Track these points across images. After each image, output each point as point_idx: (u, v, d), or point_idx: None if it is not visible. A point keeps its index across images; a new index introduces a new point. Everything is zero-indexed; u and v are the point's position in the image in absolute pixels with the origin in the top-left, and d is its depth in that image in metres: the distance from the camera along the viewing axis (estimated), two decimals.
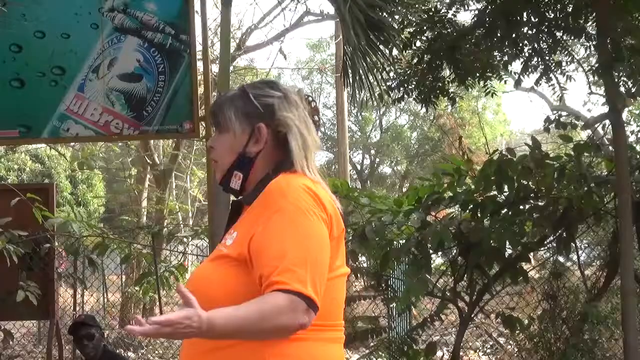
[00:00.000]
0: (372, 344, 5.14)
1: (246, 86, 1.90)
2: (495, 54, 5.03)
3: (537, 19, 4.70)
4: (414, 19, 5.11)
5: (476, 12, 5.02)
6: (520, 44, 4.86)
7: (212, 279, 1.73)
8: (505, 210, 4.51)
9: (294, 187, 1.73)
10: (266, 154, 1.84)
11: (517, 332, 4.88)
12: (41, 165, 18.19)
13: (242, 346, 1.66)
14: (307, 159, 1.83)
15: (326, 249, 1.71)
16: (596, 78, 5.05)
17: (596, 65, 4.66)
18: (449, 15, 5.08)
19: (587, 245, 5.77)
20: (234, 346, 1.66)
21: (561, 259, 5.15)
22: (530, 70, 5.03)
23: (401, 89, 5.28)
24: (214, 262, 1.76)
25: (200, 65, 5.23)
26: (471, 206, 4.51)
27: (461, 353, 5.39)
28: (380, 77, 4.69)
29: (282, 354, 1.67)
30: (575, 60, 5.47)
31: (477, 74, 5.11)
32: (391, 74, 5.19)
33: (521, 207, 4.56)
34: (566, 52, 5.20)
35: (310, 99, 1.93)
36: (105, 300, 10.69)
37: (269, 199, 1.73)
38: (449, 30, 5.03)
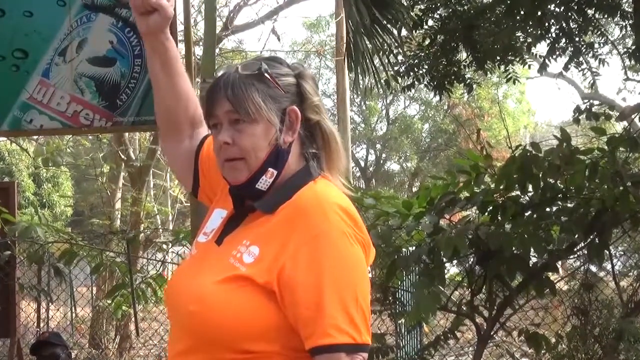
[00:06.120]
0: None
1: (260, 64, 1.78)
2: (518, 34, 5.04)
3: None
4: None
5: None
6: (547, 23, 4.88)
7: (232, 308, 1.65)
8: (530, 212, 4.51)
9: (333, 205, 1.68)
10: (295, 146, 1.78)
11: (542, 351, 4.88)
12: (0, 162, 18.19)
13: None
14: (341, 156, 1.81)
15: (367, 276, 1.69)
16: (633, 62, 5.05)
17: (633, 47, 4.67)
18: None
19: (622, 253, 5.78)
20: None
21: (593, 268, 5.15)
22: (557, 53, 5.04)
23: (411, 74, 5.29)
24: (230, 285, 1.66)
25: (182, 47, 5.22)
26: (490, 208, 4.51)
27: None
28: (387, 60, 4.70)
29: None
30: (609, 42, 5.48)
31: (498, 57, 5.12)
32: (399, 57, 5.21)
33: (547, 209, 4.56)
34: (599, 32, 5.22)
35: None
36: (74, 315, 10.70)
37: (306, 219, 1.67)
38: (465, 7, 5.04)
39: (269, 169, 1.75)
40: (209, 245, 1.83)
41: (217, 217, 1.89)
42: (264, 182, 1.75)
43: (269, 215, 1.73)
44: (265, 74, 1.76)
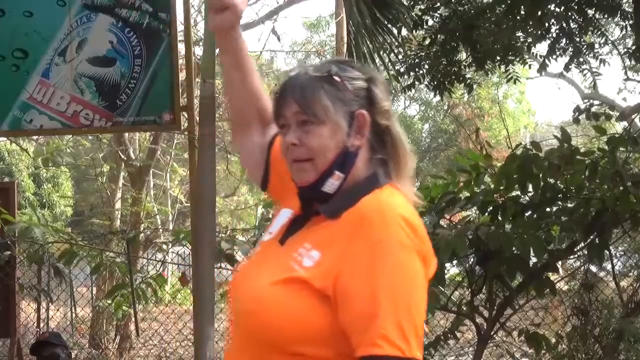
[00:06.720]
0: None
1: (330, 67, 1.80)
2: (519, 34, 5.03)
3: None
4: None
5: None
6: (547, 23, 4.88)
7: (286, 310, 1.66)
8: (530, 212, 4.51)
9: (395, 215, 1.67)
10: (363, 151, 1.78)
11: (543, 351, 4.88)
12: (0, 162, 18.19)
13: None
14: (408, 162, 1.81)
15: (424, 289, 1.67)
16: (633, 62, 5.05)
17: (633, 47, 4.67)
18: None
19: (623, 253, 5.78)
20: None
21: (593, 268, 5.15)
22: (558, 53, 5.04)
23: (411, 74, 5.29)
24: (286, 287, 1.67)
25: (182, 47, 5.22)
26: (491, 208, 4.51)
27: None
28: (387, 60, 4.70)
29: None
30: (609, 42, 5.48)
31: (498, 57, 5.12)
32: (400, 56, 5.20)
33: (548, 209, 4.56)
34: (599, 32, 5.22)
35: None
36: (73, 315, 10.70)
37: (366, 227, 1.66)
38: (466, 7, 5.04)
39: (336, 172, 1.75)
40: (272, 244, 1.84)
41: (283, 216, 1.91)
42: (331, 185, 1.76)
43: (332, 220, 1.73)
44: (335, 77, 1.77)
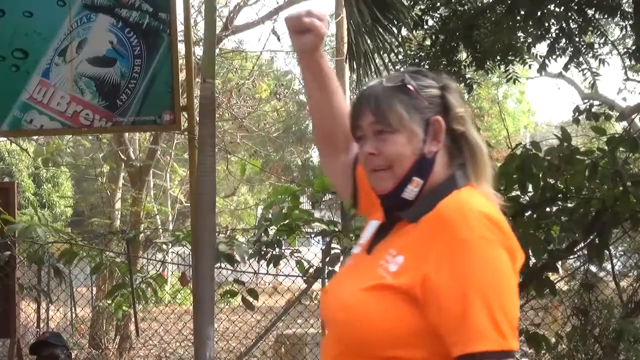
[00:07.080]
0: None
1: (404, 77, 1.83)
2: (519, 34, 5.03)
3: None
4: None
5: None
6: (547, 23, 4.87)
7: (377, 315, 1.68)
8: (530, 212, 4.51)
9: (475, 212, 1.69)
10: (440, 156, 1.81)
11: (543, 351, 4.87)
12: (0, 162, 18.19)
13: None
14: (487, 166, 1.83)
15: (513, 280, 1.68)
16: (633, 62, 5.05)
17: (633, 47, 4.67)
18: None
19: (622, 253, 5.78)
20: None
21: (593, 268, 5.15)
22: (557, 53, 5.03)
23: None
24: (375, 293, 1.70)
25: (182, 47, 5.22)
26: None
27: None
28: (387, 60, 4.70)
29: None
30: (609, 42, 5.48)
31: (498, 57, 5.12)
32: (400, 56, 5.20)
33: (547, 209, 4.56)
34: (599, 32, 5.21)
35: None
36: (73, 315, 10.70)
37: (448, 227, 1.68)
38: (466, 7, 5.04)
39: (414, 178, 1.78)
40: (361, 255, 1.88)
41: (371, 228, 1.94)
42: (410, 192, 1.79)
43: (414, 224, 1.76)
44: (409, 86, 1.80)
